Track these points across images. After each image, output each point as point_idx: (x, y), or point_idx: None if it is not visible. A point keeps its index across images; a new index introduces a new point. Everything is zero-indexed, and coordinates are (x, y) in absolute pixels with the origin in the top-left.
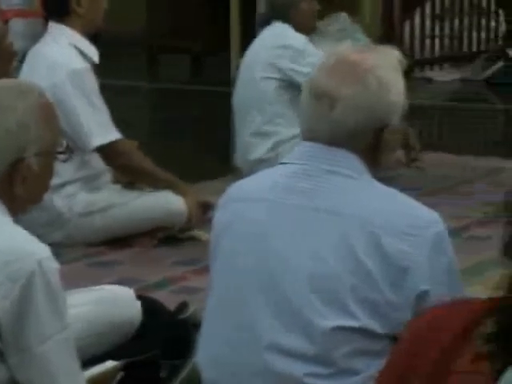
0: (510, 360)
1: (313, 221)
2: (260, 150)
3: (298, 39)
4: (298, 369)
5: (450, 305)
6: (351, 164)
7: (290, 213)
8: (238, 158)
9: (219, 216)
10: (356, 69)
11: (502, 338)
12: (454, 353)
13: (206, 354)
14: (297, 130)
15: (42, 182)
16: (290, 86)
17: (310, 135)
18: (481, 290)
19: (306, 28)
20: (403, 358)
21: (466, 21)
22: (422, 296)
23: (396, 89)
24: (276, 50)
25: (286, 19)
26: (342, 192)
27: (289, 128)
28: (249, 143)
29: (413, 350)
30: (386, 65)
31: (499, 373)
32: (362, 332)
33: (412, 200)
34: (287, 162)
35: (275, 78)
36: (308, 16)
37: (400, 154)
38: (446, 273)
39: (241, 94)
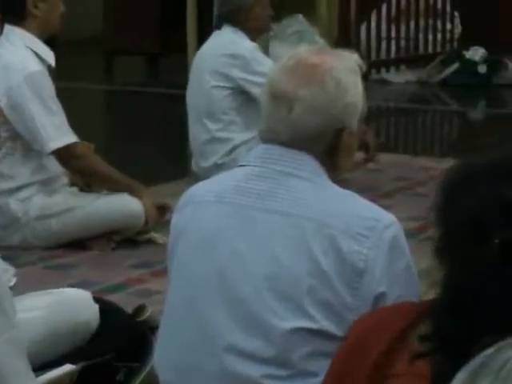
0: (447, 360)
1: (269, 223)
2: (215, 155)
3: (246, 48)
4: (255, 370)
5: (392, 308)
6: (308, 166)
7: (247, 215)
8: (194, 164)
9: (176, 220)
10: (314, 70)
11: (437, 337)
12: (391, 356)
13: (163, 356)
14: (249, 135)
15: None
16: (240, 93)
17: (268, 136)
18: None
19: (259, 32)
20: (345, 361)
21: (421, 23)
22: (380, 298)
23: (354, 91)
24: (224, 59)
25: (235, 23)
26: (299, 194)
27: (241, 133)
28: (203, 150)
29: (353, 353)
30: (344, 67)
31: (438, 374)
32: (320, 334)
33: (369, 202)
34: (245, 164)
35: (226, 87)
36: (261, 21)
37: (357, 155)
38: (404, 275)
39: (193, 101)
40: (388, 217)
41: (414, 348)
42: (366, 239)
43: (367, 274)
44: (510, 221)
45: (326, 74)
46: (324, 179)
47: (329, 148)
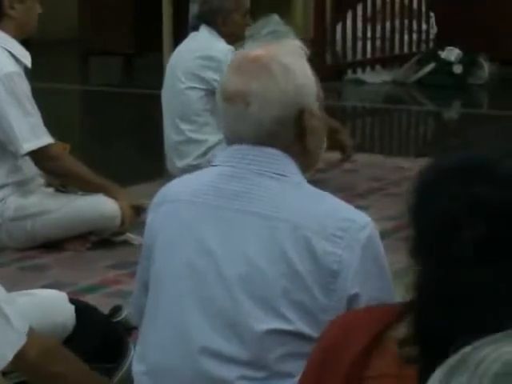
0: (430, 362)
1: (243, 224)
2: (189, 156)
3: (220, 50)
4: (230, 373)
5: (367, 309)
6: (281, 164)
7: (220, 216)
8: (169, 164)
9: (151, 219)
10: (259, 62)
11: (419, 340)
12: (368, 357)
13: (141, 358)
14: (222, 136)
15: None
16: (214, 95)
17: (234, 138)
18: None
19: (234, 38)
20: (321, 361)
21: (397, 23)
22: (353, 299)
23: (303, 72)
24: (199, 61)
25: (213, 24)
26: (273, 194)
27: (215, 135)
28: (178, 150)
29: (329, 354)
30: (287, 52)
31: (422, 375)
32: (295, 335)
33: (343, 202)
34: (217, 164)
35: (200, 88)
36: (238, 28)
37: (332, 155)
38: (378, 275)
39: (167, 102)
40: (363, 217)
41: (390, 349)
42: (341, 240)
43: (341, 275)
44: (483, 220)
45: (271, 62)
46: (299, 178)
47: (295, 135)
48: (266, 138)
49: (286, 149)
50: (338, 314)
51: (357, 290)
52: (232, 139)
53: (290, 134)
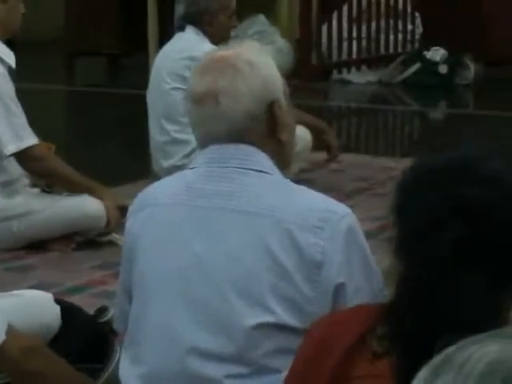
0: (406, 359)
1: (226, 222)
2: (174, 157)
3: (205, 51)
4: (218, 371)
5: (352, 309)
6: (260, 161)
7: (202, 216)
8: (154, 164)
9: (131, 223)
10: (225, 61)
11: (395, 337)
12: (353, 357)
13: (133, 361)
14: None
15: None
16: None
17: (208, 139)
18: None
19: (219, 39)
20: (307, 361)
21: (382, 23)
22: (339, 288)
23: (268, 67)
24: (184, 61)
25: (199, 25)
26: (254, 191)
27: None
28: (163, 150)
29: (316, 353)
30: (251, 50)
31: (399, 373)
32: (283, 329)
33: (322, 195)
34: (197, 165)
35: (184, 89)
36: (224, 29)
37: (319, 155)
38: (362, 264)
39: (152, 102)
40: (342, 208)
41: (374, 349)
42: (322, 231)
43: (325, 266)
44: (466, 220)
45: (236, 60)
46: (277, 174)
47: (268, 131)
48: (239, 135)
49: (262, 146)
50: (323, 305)
51: (342, 279)
52: (205, 141)
53: (262, 130)
